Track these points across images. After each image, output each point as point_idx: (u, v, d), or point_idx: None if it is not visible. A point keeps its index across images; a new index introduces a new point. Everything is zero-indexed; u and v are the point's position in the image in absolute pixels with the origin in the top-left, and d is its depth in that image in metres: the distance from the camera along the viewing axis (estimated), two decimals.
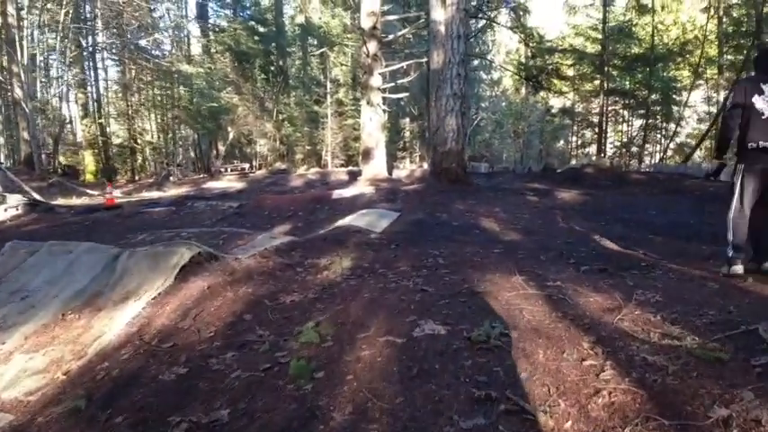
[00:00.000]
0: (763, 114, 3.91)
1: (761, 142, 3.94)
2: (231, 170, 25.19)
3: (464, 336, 2.75)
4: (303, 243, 5.66)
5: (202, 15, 28.82)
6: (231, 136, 26.60)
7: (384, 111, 16.79)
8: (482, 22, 23.24)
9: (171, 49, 28.44)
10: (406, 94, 20.42)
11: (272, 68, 27.69)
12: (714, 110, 22.40)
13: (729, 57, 20.91)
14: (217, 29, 28.34)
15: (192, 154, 31.12)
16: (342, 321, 3.22)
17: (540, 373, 2.34)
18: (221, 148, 27.25)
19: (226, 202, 12.15)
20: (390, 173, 16.38)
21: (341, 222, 7.04)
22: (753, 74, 4.32)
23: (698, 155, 23.21)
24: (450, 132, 10.82)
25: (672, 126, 23.60)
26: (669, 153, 23.88)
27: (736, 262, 4.08)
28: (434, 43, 11.33)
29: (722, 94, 20.90)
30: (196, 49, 30.30)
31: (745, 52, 18.94)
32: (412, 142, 29.69)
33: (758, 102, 3.92)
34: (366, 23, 14.94)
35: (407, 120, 29.47)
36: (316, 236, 6.20)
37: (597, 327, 2.79)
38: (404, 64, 18.69)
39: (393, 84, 17.36)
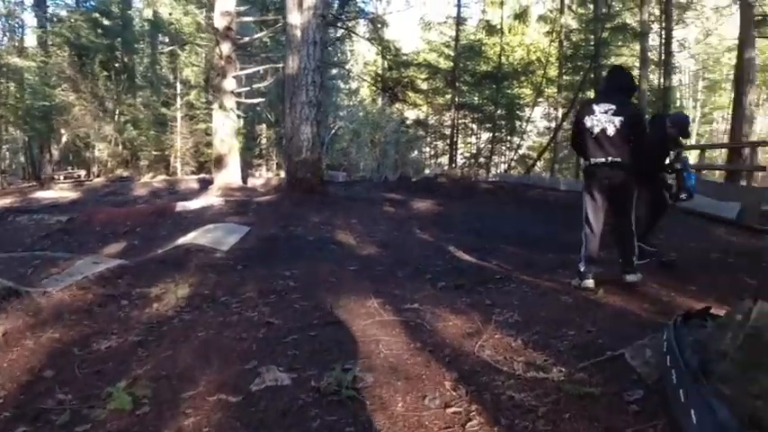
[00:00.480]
0: (592, 132, 4.03)
1: (592, 159, 4.09)
2: (65, 178, 22.30)
3: (312, 386, 2.35)
4: (134, 267, 4.88)
5: (40, 4, 25.44)
6: (65, 139, 23.65)
7: (238, 116, 15.88)
8: (341, 31, 23.19)
9: (1, 39, 24.68)
10: (263, 99, 19.62)
11: (116, 65, 25.14)
12: (553, 125, 24.55)
13: (567, 77, 23.06)
14: (55, 18, 25.13)
15: (22, 159, 27.21)
16: (166, 374, 2.64)
17: (401, 428, 2.02)
18: (55, 152, 24.11)
19: (54, 215, 10.55)
20: (245, 181, 15.52)
21: (183, 240, 6.26)
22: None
23: (539, 166, 25.29)
24: (306, 141, 10.38)
25: (516, 139, 25.48)
26: (513, 164, 25.74)
27: (587, 276, 4.15)
28: (290, 48, 10.85)
29: (560, 111, 23.00)
30: (31, 40, 26.67)
31: (582, 73, 20.97)
32: (269, 149, 28.78)
33: (588, 121, 4.05)
34: (220, 23, 14.00)
35: (264, 126, 28.53)
36: (150, 257, 5.41)
37: (459, 359, 2.57)
38: (260, 68, 17.92)
39: (249, 88, 16.53)
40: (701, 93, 28.46)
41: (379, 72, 23.94)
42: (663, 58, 17.75)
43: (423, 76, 23.81)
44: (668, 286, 4.29)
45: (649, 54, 17.44)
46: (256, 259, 5.40)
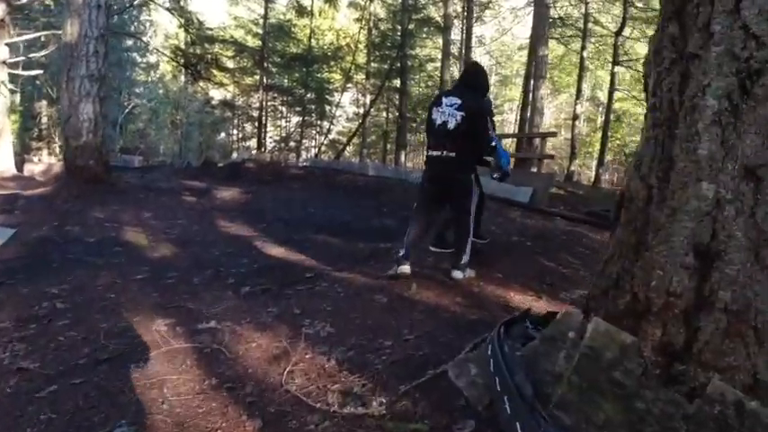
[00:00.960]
0: (434, 124, 4.04)
1: (430, 151, 4.14)
2: None
3: None
4: None
5: None
6: None
7: (12, 90, 13.30)
8: None
9: None
10: (42, 71, 16.72)
11: None
12: (362, 111, 25.10)
13: (376, 65, 23.62)
14: None
15: None
16: None
17: None
18: None
19: None
20: (21, 169, 13.05)
21: None
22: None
23: (348, 150, 25.73)
24: (86, 122, 8.87)
25: (326, 124, 25.54)
26: (323, 149, 25.81)
27: (403, 262, 4.15)
28: (68, 11, 9.10)
29: (369, 98, 23.53)
30: None
31: (389, 62, 21.59)
32: (51, 130, 24.85)
33: (434, 113, 4.07)
34: None
35: (45, 103, 24.54)
36: None
37: (264, 396, 2.14)
38: (41, 35, 15.20)
39: (26, 58, 13.88)
40: (494, 87, 31.59)
41: (182, 46, 22.00)
42: (463, 52, 19.06)
43: (229, 54, 22.47)
44: (478, 275, 4.41)
45: (451, 48, 18.61)
46: (19, 272, 4.32)
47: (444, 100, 4.06)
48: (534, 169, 10.49)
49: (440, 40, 19.65)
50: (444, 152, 4.00)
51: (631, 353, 1.56)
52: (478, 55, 22.71)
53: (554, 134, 12.89)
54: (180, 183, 11.35)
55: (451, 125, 3.96)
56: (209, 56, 19.46)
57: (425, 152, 4.27)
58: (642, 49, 16.29)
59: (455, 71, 20.50)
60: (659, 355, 1.58)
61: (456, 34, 19.72)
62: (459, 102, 4.00)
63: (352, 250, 5.82)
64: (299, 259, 5.26)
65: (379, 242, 6.18)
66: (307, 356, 2.54)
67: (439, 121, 4.01)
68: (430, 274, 4.30)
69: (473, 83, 4.28)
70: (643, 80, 1.99)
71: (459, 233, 4.25)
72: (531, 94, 11.91)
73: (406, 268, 4.12)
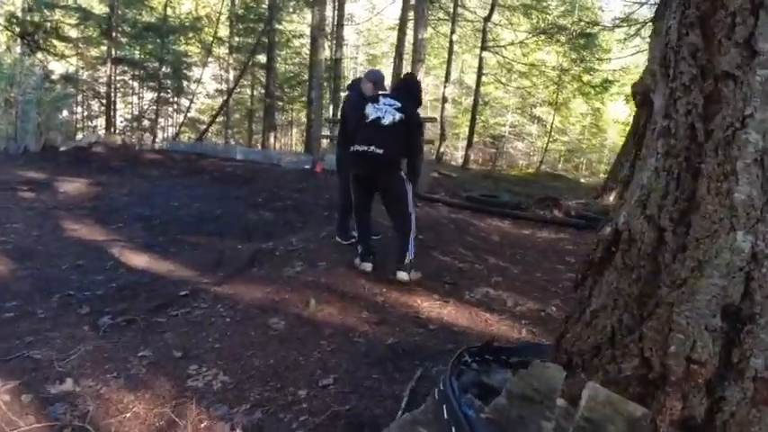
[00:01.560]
0: (365, 118, 4.06)
1: (356, 146, 4.06)
2: None
3: None
4: None
5: None
6: None
7: None
8: None
9: None
10: None
11: None
12: (224, 87, 23.47)
13: (239, 38, 22.13)
14: None
15: None
16: None
17: None
18: None
19: None
20: None
21: None
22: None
23: (211, 131, 24.04)
24: None
25: (184, 101, 23.55)
26: (183, 129, 23.82)
27: (366, 259, 4.22)
28: None
29: (232, 74, 21.99)
30: None
31: (254, 36, 20.23)
32: None
33: (368, 108, 4.10)
34: None
35: None
36: None
37: None
38: None
39: None
40: (361, 66, 31.26)
41: (17, 13, 18.86)
42: (335, 29, 18.47)
43: (72, 22, 19.64)
44: (377, 278, 4.08)
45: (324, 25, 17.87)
46: None
47: (382, 99, 4.11)
48: None
49: (308, 16, 18.86)
50: (372, 147, 3.93)
51: (642, 428, 1.26)
52: (348, 33, 22.26)
53: (433, 119, 12.93)
54: (15, 174, 9.61)
55: (386, 121, 3.97)
56: (49, 24, 16.90)
57: (351, 146, 4.13)
58: (508, 35, 17.01)
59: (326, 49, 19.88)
60: (678, 429, 1.30)
61: (328, 11, 19.06)
62: (399, 105, 4.05)
63: (229, 254, 5.17)
64: (167, 270, 4.53)
65: (259, 241, 5.59)
66: (202, 426, 1.99)
67: (373, 116, 4.01)
68: (329, 282, 3.87)
69: (413, 93, 4.38)
70: (633, 95, 1.70)
71: (401, 232, 4.17)
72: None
73: (368, 266, 4.18)
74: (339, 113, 5.05)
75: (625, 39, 13.48)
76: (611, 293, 1.48)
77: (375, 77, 4.90)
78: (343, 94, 25.17)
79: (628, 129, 20.01)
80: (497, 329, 3.45)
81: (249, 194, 8.65)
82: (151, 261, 4.86)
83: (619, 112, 20.35)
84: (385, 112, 4.00)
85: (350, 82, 5.10)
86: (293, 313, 3.23)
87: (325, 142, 13.49)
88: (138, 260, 4.85)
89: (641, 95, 1.62)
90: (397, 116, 4.00)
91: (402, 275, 4.04)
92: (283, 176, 9.99)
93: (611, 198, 10.89)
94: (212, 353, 2.64)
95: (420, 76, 11.58)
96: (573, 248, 6.47)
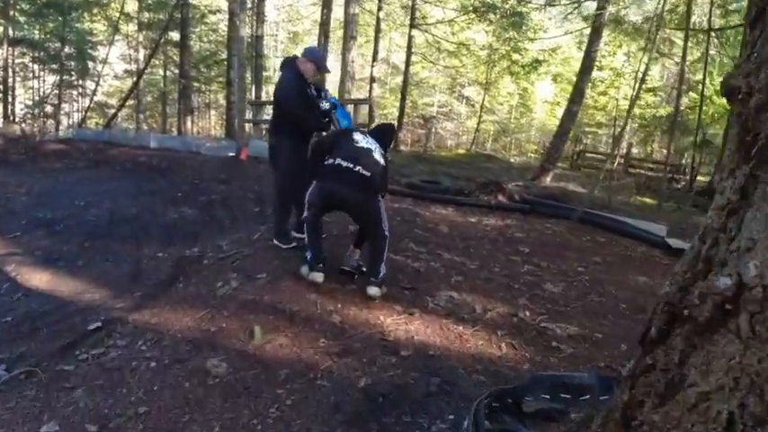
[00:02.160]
0: (355, 142, 3.82)
1: (341, 161, 3.71)
2: None
3: None
4: None
5: None
6: None
7: None
8: None
9: None
10: None
11: None
12: (134, 68, 21.66)
13: (149, 14, 20.35)
14: None
15: None
16: None
17: None
18: None
19: None
20: None
21: None
22: None
23: (121, 115, 22.18)
24: None
25: (90, 84, 21.49)
26: (89, 114, 21.78)
27: (317, 268, 3.68)
28: None
29: (142, 53, 20.23)
30: None
31: (166, 11, 18.54)
32: None
33: (356, 135, 3.90)
34: None
35: None
36: None
37: None
38: None
39: None
40: (282, 44, 29.83)
41: None
42: (256, 4, 17.30)
43: None
44: (329, 291, 3.54)
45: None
46: None
47: (368, 137, 3.92)
48: None
49: None
50: (359, 168, 3.63)
51: None
52: (268, 9, 20.94)
53: (366, 101, 12.32)
54: None
55: (376, 155, 3.79)
56: None
57: (329, 158, 3.76)
58: (437, 12, 16.53)
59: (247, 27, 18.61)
60: None
61: None
62: (380, 149, 3.91)
63: (148, 265, 4.47)
64: (74, 291, 3.79)
65: (182, 246, 4.89)
66: None
67: (363, 144, 3.79)
68: (274, 301, 3.28)
69: (387, 141, 4.17)
70: (729, 90, 1.22)
71: (375, 246, 3.78)
72: (342, 58, 10.97)
73: (319, 276, 3.65)
74: (275, 96, 4.32)
75: (566, 15, 13.26)
76: (730, 370, 1.03)
77: (317, 57, 4.30)
78: (265, 74, 24.08)
79: (557, 108, 20.34)
80: (475, 346, 3.04)
81: (167, 188, 7.77)
82: (55, 279, 4.09)
83: (546, 92, 20.57)
84: (375, 147, 3.84)
85: (282, 60, 4.39)
86: (235, 349, 2.65)
87: (248, 126, 12.60)
88: (39, 279, 4.07)
89: (743, 94, 1.16)
90: (381, 155, 3.86)
91: (373, 291, 3.59)
92: (205, 165, 9.09)
93: (548, 179, 10.86)
94: (137, 421, 2.01)
95: (352, 54, 10.93)
96: (523, 236, 6.19)
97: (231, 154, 10.40)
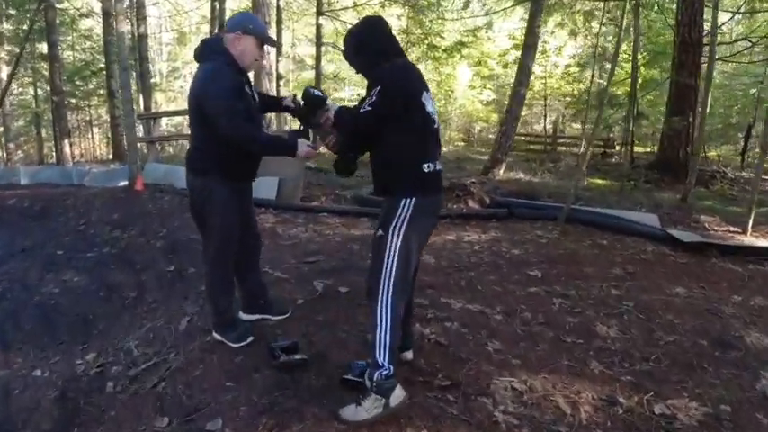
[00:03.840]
0: (434, 121, 2.32)
1: (430, 164, 2.28)
2: None
3: None
4: None
5: None
6: None
7: None
8: None
9: None
10: None
11: None
12: None
13: (10, 26, 17.35)
14: None
15: None
16: None
17: None
18: None
19: None
20: None
21: None
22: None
23: None
24: None
25: None
26: None
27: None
28: None
29: (5, 70, 16.99)
30: None
31: (29, 17, 15.62)
32: None
33: (425, 99, 2.27)
34: None
35: None
36: None
37: None
38: None
39: None
40: (168, 46, 26.97)
41: None
42: (134, 1, 14.92)
43: None
44: None
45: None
46: None
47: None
48: None
49: None
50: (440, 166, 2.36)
51: None
52: (150, 10, 18.29)
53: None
54: None
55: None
56: None
57: (421, 164, 2.26)
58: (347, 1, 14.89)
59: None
60: None
61: None
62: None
63: (16, 403, 2.73)
64: None
65: (71, 349, 3.16)
66: None
67: (435, 116, 2.34)
68: None
69: None
70: None
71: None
72: None
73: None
74: (191, 103, 2.54)
75: None
76: None
77: (257, 26, 2.69)
78: (153, 81, 21.38)
79: (480, 94, 19.46)
80: None
81: (44, 242, 5.74)
82: None
83: (463, 77, 19.68)
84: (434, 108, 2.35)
85: (199, 45, 2.67)
86: None
87: (140, 145, 10.45)
88: None
89: None
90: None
91: (346, 413, 2.22)
92: (91, 203, 7.00)
93: (501, 171, 9.79)
94: None
95: (267, 48, 9.17)
96: (521, 254, 5.00)
97: (123, 183, 8.33)
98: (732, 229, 6.58)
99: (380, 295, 2.17)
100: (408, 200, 2.20)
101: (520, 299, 3.78)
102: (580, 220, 6.03)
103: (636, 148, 12.35)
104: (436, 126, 2.34)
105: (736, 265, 5.03)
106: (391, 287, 2.17)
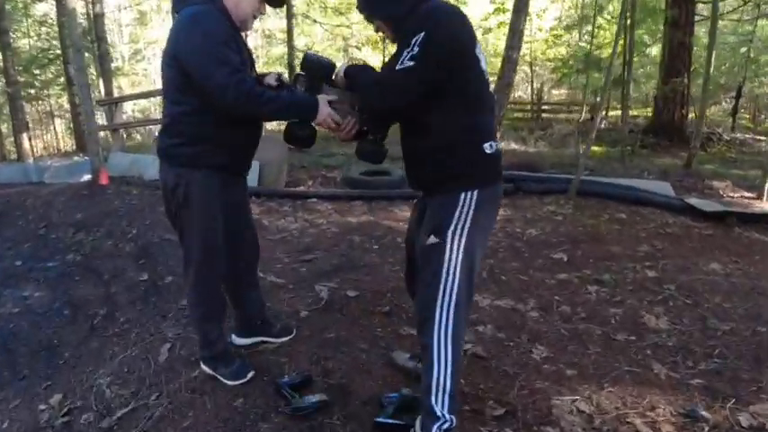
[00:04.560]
0: (485, 80, 1.70)
1: (488, 141, 1.68)
2: None
3: None
4: None
5: None
6: None
7: None
8: None
9: None
10: None
11: None
12: None
13: None
14: None
15: None
16: None
17: None
18: None
19: None
20: None
21: None
22: None
23: None
24: None
25: None
26: None
27: None
28: None
29: None
30: None
31: None
32: None
33: (479, 53, 1.67)
34: None
35: None
36: None
37: None
38: None
39: None
40: (128, 27, 25.57)
41: None
42: None
43: None
44: None
45: None
46: None
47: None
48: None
49: None
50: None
51: None
52: None
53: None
54: None
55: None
56: None
57: (481, 144, 1.68)
58: None
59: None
60: None
61: None
62: None
63: None
64: None
65: (32, 388, 2.60)
66: None
67: (488, 75, 1.72)
68: None
69: None
70: None
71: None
72: None
73: None
74: (166, 61, 1.88)
75: None
76: None
77: None
78: (114, 65, 20.27)
79: None
80: None
81: (0, 251, 5.07)
82: None
83: None
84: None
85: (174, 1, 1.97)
86: None
87: (102, 134, 9.60)
88: None
89: None
90: None
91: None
92: (52, 203, 6.23)
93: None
94: None
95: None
96: (539, 233, 4.60)
97: (86, 177, 7.56)
98: (746, 194, 6.26)
99: (438, 326, 1.63)
100: (470, 192, 1.63)
101: (552, 289, 3.33)
102: (592, 192, 5.60)
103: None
104: (491, 91, 1.77)
105: (761, 235, 4.73)
106: (452, 314, 1.63)
